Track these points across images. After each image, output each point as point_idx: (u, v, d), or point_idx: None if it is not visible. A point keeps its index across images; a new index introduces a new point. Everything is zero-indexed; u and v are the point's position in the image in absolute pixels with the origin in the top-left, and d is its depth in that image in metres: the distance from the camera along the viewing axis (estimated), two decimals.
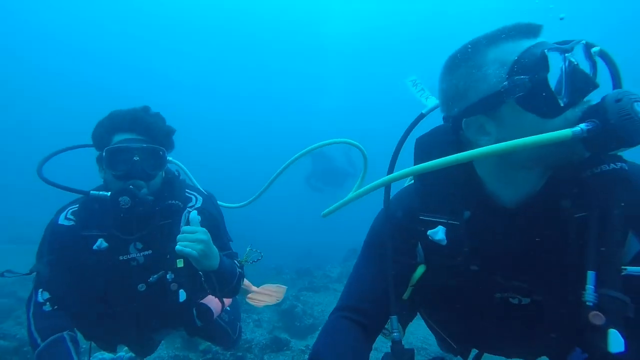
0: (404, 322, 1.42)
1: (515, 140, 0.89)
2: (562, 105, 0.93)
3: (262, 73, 25.75)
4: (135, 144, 1.82)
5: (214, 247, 1.80)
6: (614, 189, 0.98)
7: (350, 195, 1.23)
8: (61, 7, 21.17)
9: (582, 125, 0.89)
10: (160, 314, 2.00)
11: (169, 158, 2.15)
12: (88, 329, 2.02)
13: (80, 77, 23.69)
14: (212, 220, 2.02)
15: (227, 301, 2.37)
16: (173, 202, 1.94)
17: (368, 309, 1.26)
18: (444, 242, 1.14)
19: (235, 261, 2.06)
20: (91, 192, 1.84)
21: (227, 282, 1.91)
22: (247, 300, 3.05)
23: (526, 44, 0.97)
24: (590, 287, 0.95)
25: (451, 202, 1.16)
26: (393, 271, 1.19)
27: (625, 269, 0.95)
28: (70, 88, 23.76)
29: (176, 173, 2.16)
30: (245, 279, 3.12)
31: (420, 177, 1.22)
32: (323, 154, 11.39)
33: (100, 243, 1.84)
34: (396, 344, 1.15)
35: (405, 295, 1.33)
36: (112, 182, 1.84)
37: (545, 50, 0.93)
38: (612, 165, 0.99)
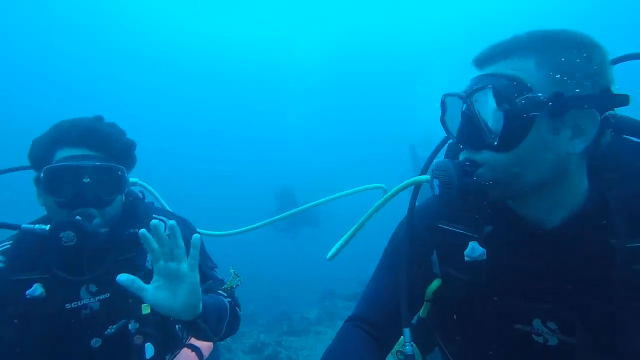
0: (423, 348, 1.31)
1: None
2: (455, 142, 1.03)
3: (222, 99, 25.50)
4: (85, 161, 1.44)
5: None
6: None
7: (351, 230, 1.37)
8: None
9: (422, 177, 1.10)
10: None
11: (132, 179, 1.81)
12: None
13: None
14: (187, 247, 1.63)
15: (207, 349, 1.89)
16: (137, 230, 1.54)
17: (379, 321, 1.20)
18: (484, 257, 1.03)
19: (220, 291, 1.66)
20: (23, 225, 1.45)
21: (218, 325, 1.51)
22: None
23: (475, 73, 1.01)
24: None
25: (473, 213, 1.07)
26: (407, 282, 1.13)
27: None
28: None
29: (140, 195, 1.78)
30: None
31: None
32: (289, 194, 11.38)
33: (35, 289, 1.43)
34: (409, 358, 1.07)
35: (423, 313, 1.26)
36: (54, 212, 1.46)
37: (443, 96, 1.05)
38: None
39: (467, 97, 0.94)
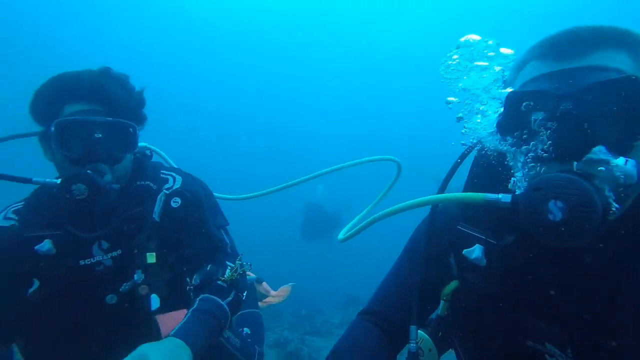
0: (440, 347, 1.25)
1: (448, 194, 1.00)
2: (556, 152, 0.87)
3: (265, 71, 25.24)
4: (97, 116, 1.42)
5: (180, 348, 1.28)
6: None
7: (368, 219, 1.19)
8: None
9: (499, 195, 0.87)
10: (135, 333, 1.48)
11: (141, 144, 1.79)
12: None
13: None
14: (191, 205, 1.61)
15: None
16: (144, 183, 1.57)
17: (391, 317, 1.20)
18: (483, 263, 0.99)
19: (220, 282, 1.54)
20: (34, 179, 1.43)
21: (221, 330, 1.49)
22: (260, 304, 2.71)
23: (550, 67, 0.87)
24: None
25: (496, 219, 0.99)
26: (420, 279, 1.11)
27: None
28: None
29: (148, 152, 1.76)
30: (265, 284, 2.67)
31: (470, 183, 1.11)
32: (313, 203, 11.57)
33: (44, 244, 1.41)
34: (412, 356, 1.05)
35: (442, 311, 1.18)
36: (64, 167, 1.44)
37: (513, 93, 0.89)
38: None
39: (577, 93, 0.79)
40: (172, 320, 1.44)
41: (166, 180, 1.63)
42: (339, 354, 1.15)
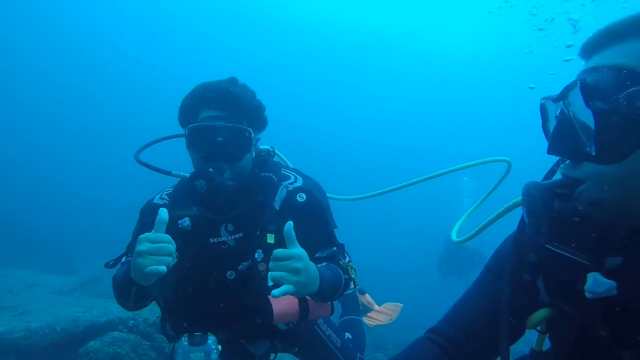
0: None
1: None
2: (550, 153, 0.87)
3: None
4: (219, 122, 1.66)
5: (312, 267, 1.48)
6: None
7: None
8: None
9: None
10: (248, 309, 1.71)
11: (265, 147, 1.98)
12: (175, 318, 1.80)
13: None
14: (315, 203, 1.79)
15: (323, 312, 1.90)
16: (266, 174, 1.79)
17: (460, 341, 1.08)
18: (615, 292, 0.77)
19: (341, 262, 1.74)
20: (173, 172, 1.75)
21: (330, 297, 1.67)
22: (364, 319, 2.71)
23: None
24: None
25: (599, 237, 0.80)
26: (508, 308, 0.95)
27: None
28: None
29: (271, 150, 1.97)
30: (368, 296, 2.79)
31: None
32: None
33: (185, 220, 1.71)
34: None
35: (538, 345, 1.06)
36: (197, 162, 1.72)
37: (541, 100, 0.89)
38: None
39: (559, 98, 0.81)
40: (282, 301, 1.68)
41: (287, 177, 1.85)
42: None
